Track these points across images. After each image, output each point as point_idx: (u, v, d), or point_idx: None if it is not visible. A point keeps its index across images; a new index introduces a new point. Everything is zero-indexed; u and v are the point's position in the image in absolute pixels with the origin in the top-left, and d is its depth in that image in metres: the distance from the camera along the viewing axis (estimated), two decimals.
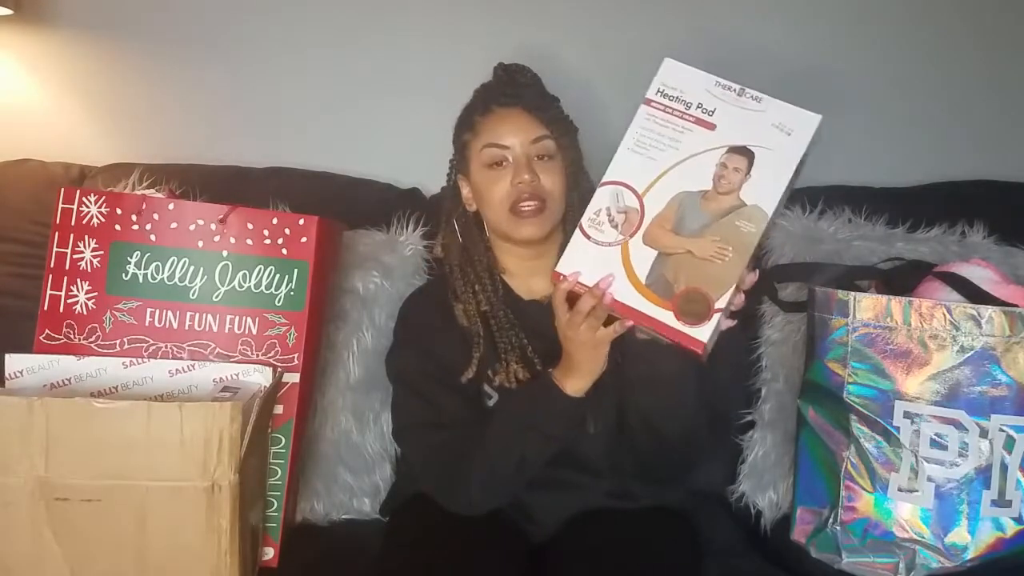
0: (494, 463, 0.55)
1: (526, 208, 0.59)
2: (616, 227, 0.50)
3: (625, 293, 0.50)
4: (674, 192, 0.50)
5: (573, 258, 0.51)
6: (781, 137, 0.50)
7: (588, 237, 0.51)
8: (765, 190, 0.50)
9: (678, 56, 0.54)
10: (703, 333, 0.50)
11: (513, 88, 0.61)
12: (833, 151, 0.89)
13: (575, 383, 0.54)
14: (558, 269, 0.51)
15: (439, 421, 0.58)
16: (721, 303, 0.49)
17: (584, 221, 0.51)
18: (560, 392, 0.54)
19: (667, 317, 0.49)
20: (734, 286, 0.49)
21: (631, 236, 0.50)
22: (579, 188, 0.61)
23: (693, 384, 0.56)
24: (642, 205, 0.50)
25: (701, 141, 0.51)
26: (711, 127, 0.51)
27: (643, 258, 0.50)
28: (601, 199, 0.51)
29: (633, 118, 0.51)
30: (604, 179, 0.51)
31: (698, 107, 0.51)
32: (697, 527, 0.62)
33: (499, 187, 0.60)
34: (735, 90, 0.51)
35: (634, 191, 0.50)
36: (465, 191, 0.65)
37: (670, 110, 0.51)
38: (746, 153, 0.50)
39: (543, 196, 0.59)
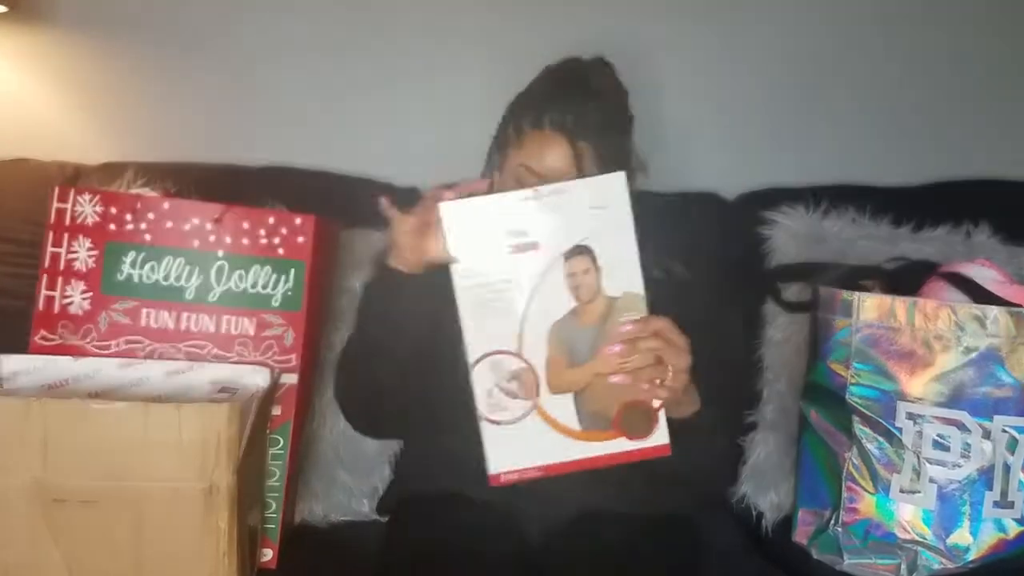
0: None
1: None
2: (517, 396, 0.46)
3: (569, 450, 0.46)
4: (546, 329, 0.46)
5: (500, 453, 0.46)
6: (602, 214, 0.46)
7: (498, 423, 0.46)
8: (623, 271, 0.46)
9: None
10: (661, 436, 0.47)
11: (572, 108, 0.55)
12: (837, 150, 0.89)
13: None
14: (493, 472, 0.46)
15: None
16: (658, 399, 0.47)
17: (483, 411, 0.46)
18: None
19: (621, 444, 0.47)
20: None
21: (537, 396, 0.46)
22: None
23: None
24: (526, 361, 0.46)
25: (535, 266, 0.46)
26: (535, 247, 0.46)
27: (563, 407, 0.46)
28: (482, 380, 0.46)
29: (454, 289, 0.46)
30: (470, 359, 0.46)
31: (508, 234, 0.45)
32: (697, 529, 0.61)
33: None
34: (531, 195, 0.46)
35: (508, 352, 0.46)
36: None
37: (481, 251, 0.46)
38: (583, 251, 0.46)
39: None
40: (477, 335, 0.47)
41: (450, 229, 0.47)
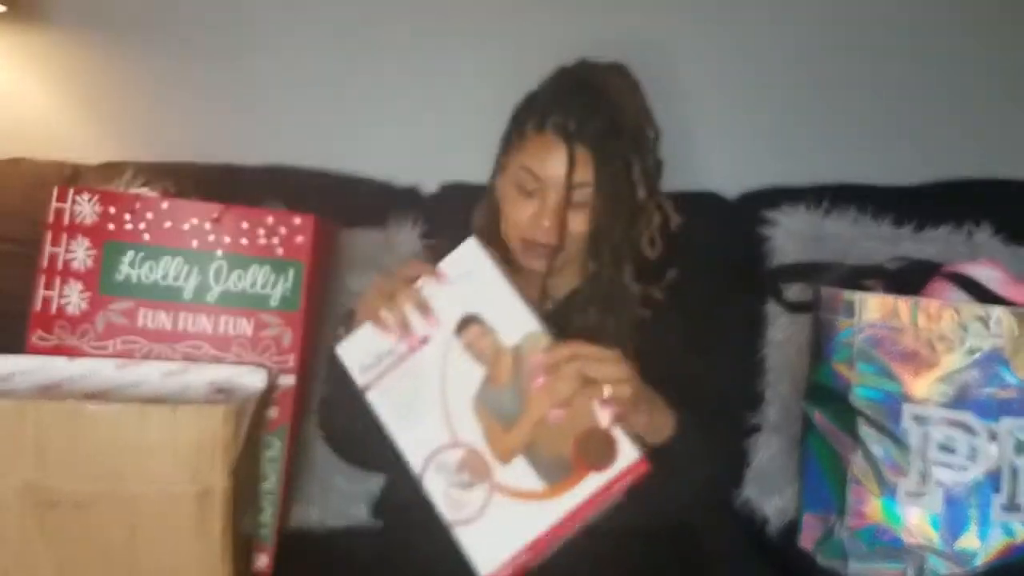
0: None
1: (538, 246, 0.56)
2: (472, 487, 0.44)
3: (547, 516, 0.43)
4: (469, 406, 0.45)
5: (482, 551, 0.43)
6: (471, 281, 0.46)
7: (470, 522, 0.43)
8: (514, 318, 0.46)
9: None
10: (629, 454, 0.43)
11: (575, 112, 0.53)
12: (839, 150, 0.89)
13: None
14: (486, 574, 0.43)
15: None
16: (605, 417, 0.44)
17: (449, 519, 0.44)
18: None
19: (595, 481, 0.43)
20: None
21: (490, 474, 0.44)
22: (621, 219, 0.54)
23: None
24: (465, 444, 0.44)
25: (433, 355, 0.46)
26: (426, 340, 0.46)
27: (520, 473, 0.44)
28: (435, 485, 0.45)
29: (375, 414, 0.46)
30: (416, 471, 0.45)
31: (398, 340, 0.46)
32: (700, 535, 0.60)
33: (521, 210, 0.55)
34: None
35: (445, 446, 0.45)
36: (499, 186, 0.59)
37: (385, 370, 0.46)
38: (470, 320, 0.46)
39: (559, 240, 0.55)
40: (412, 445, 0.46)
41: (352, 367, 0.47)
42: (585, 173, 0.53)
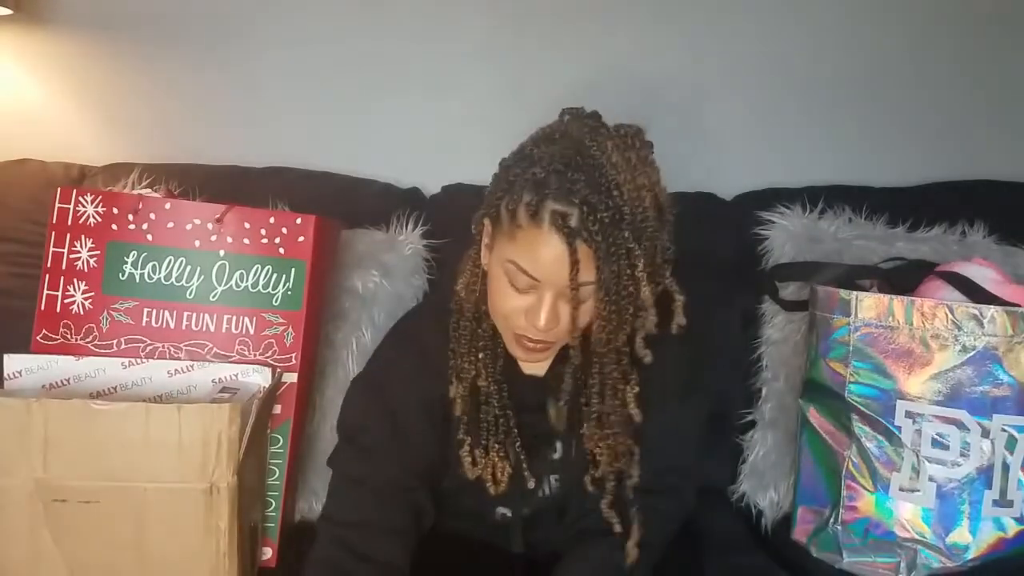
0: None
1: (529, 344, 0.50)
2: None
3: None
4: None
5: None
6: None
7: None
8: None
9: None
10: None
11: (577, 202, 0.44)
12: (833, 151, 0.89)
13: None
14: None
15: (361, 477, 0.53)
16: None
17: None
18: None
19: None
20: None
21: None
22: (624, 326, 0.47)
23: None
24: None
25: None
26: None
27: None
28: None
29: None
30: None
31: None
32: (698, 524, 0.61)
33: (511, 303, 0.49)
34: None
35: None
36: (484, 256, 0.52)
37: None
38: None
39: (553, 340, 0.50)
40: None
41: None
42: (587, 272, 0.46)
